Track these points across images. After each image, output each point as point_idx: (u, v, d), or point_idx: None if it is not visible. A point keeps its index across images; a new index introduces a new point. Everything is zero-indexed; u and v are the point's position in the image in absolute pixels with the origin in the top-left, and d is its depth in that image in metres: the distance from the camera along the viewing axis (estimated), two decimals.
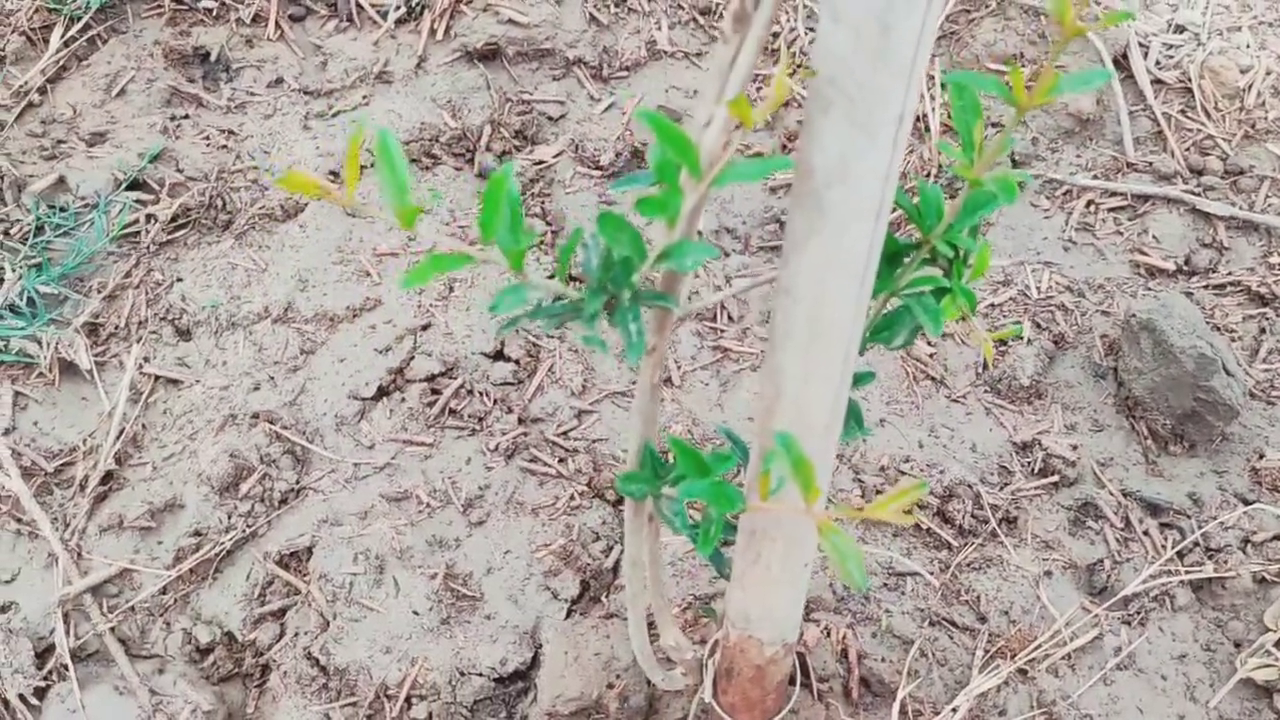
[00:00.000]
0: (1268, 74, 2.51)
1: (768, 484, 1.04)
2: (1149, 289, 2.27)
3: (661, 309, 1.10)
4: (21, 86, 2.33)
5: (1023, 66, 2.57)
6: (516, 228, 1.00)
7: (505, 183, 0.97)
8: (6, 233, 2.15)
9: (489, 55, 2.63)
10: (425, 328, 2.15)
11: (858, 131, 0.96)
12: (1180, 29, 2.59)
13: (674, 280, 1.08)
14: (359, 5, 2.66)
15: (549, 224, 2.37)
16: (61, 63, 2.39)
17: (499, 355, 2.13)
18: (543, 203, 2.39)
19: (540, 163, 2.46)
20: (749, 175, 0.96)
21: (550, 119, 2.58)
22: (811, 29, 2.69)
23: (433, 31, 2.63)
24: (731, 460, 1.13)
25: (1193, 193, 2.39)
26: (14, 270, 2.09)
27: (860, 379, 1.23)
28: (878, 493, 1.93)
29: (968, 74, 1.02)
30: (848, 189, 0.99)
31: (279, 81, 2.55)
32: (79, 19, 2.41)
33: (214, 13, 2.57)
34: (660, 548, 1.34)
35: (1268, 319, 2.23)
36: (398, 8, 2.65)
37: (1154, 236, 2.35)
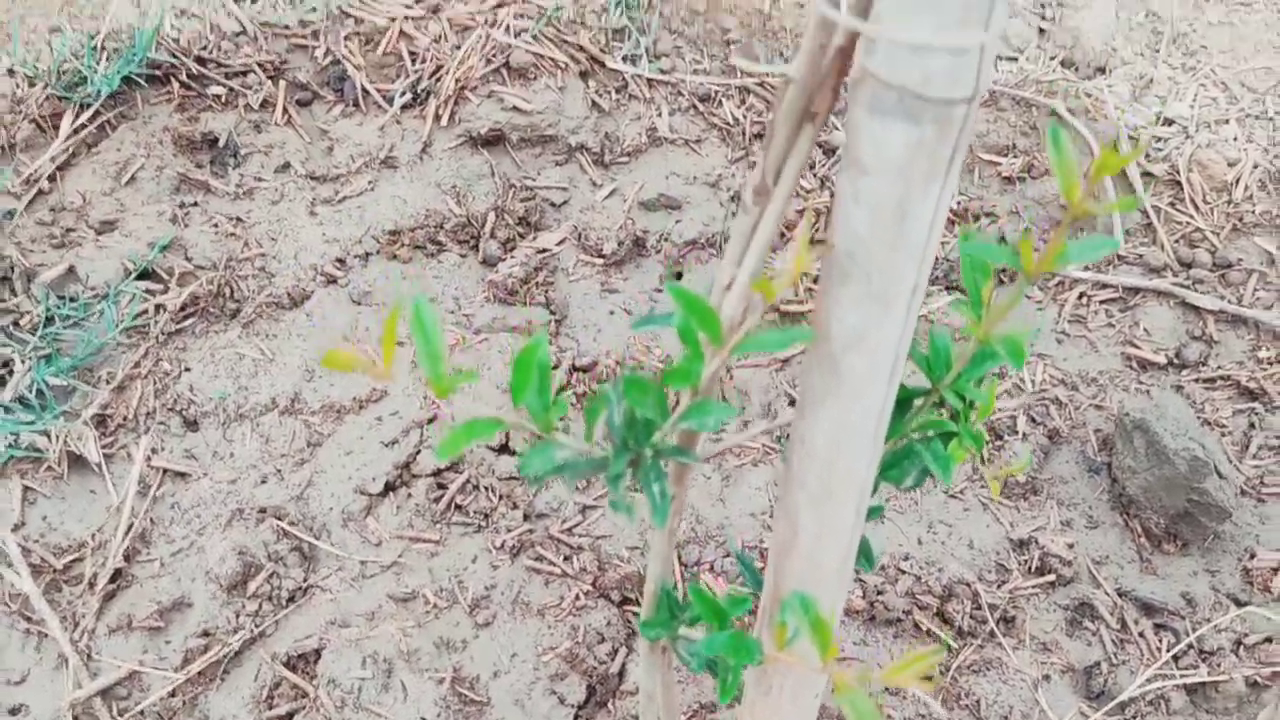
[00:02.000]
0: (1254, 167, 2.58)
1: (784, 635, 1.07)
2: (1141, 383, 2.32)
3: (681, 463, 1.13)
4: (32, 174, 2.36)
5: (1014, 158, 2.63)
6: (545, 393, 1.03)
7: (537, 351, 1.00)
8: (16, 324, 2.18)
9: (493, 141, 2.68)
10: (431, 420, 2.17)
11: (874, 303, 1.00)
12: (1169, 121, 2.65)
13: (694, 436, 1.11)
14: (365, 91, 2.70)
15: (553, 313, 2.40)
16: (71, 150, 2.42)
17: (504, 449, 2.15)
18: (546, 291, 2.43)
19: (544, 250, 2.50)
20: (769, 345, 0.99)
21: (553, 205, 2.63)
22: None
23: (438, 117, 2.68)
24: (746, 603, 1.16)
25: (1183, 285, 2.44)
26: (24, 362, 2.11)
27: (871, 512, 1.26)
28: (879, 593, 1.96)
29: (980, 244, 1.06)
30: (863, 356, 1.03)
31: (286, 167, 2.58)
32: (89, 106, 2.44)
33: (223, 98, 2.61)
34: (673, 675, 1.37)
35: (1257, 414, 2.27)
36: (403, 94, 2.69)
37: (1145, 329, 2.40)
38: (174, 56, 2.55)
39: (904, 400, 1.20)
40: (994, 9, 0.87)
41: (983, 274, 1.18)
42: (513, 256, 2.46)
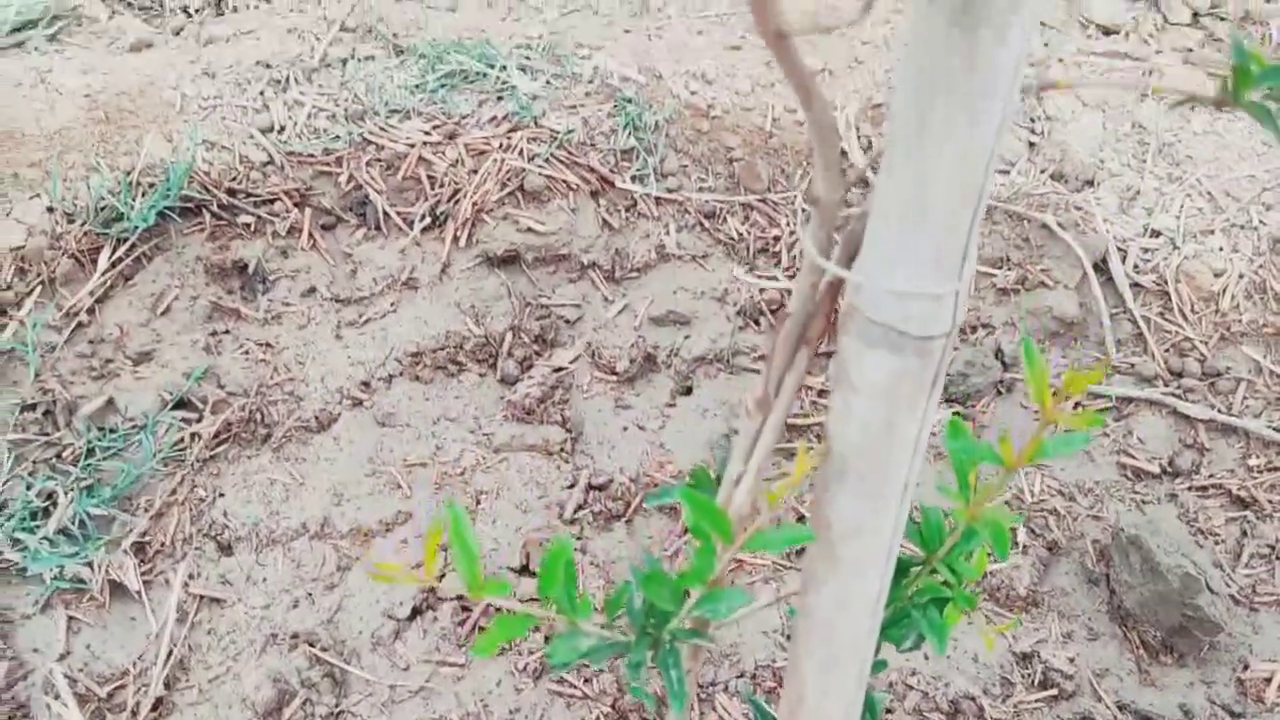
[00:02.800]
0: (1240, 277, 2.69)
1: None
2: (1136, 493, 2.41)
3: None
4: (71, 308, 2.49)
5: (1009, 270, 2.74)
6: (571, 588, 1.13)
7: (565, 553, 1.10)
8: (59, 456, 2.29)
9: (509, 260, 2.80)
10: None
11: (868, 500, 1.10)
12: (1156, 233, 2.77)
13: (707, 620, 1.21)
14: (386, 214, 2.83)
15: (569, 430, 2.51)
16: (109, 283, 2.55)
17: (524, 570, 2.25)
18: (562, 409, 2.54)
19: (559, 369, 2.61)
20: (775, 545, 1.09)
21: (567, 322, 2.74)
22: None
23: (456, 239, 2.81)
24: None
25: (1174, 395, 2.54)
26: (66, 494, 2.22)
27: (875, 667, 1.35)
28: (888, 711, 2.04)
29: (966, 444, 1.16)
30: (860, 544, 1.13)
31: (312, 291, 2.71)
32: (125, 240, 2.58)
33: (252, 226, 2.74)
34: None
35: (1249, 522, 2.36)
36: (423, 217, 2.82)
37: (1139, 438, 2.49)
38: (205, 189, 2.69)
39: (900, 569, 1.30)
40: (965, 261, 0.99)
41: (970, 457, 1.29)
42: (530, 376, 2.58)
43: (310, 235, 2.79)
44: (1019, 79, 0.92)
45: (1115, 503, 2.39)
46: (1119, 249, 2.74)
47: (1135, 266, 2.73)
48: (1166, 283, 2.70)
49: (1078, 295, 2.69)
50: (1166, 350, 2.62)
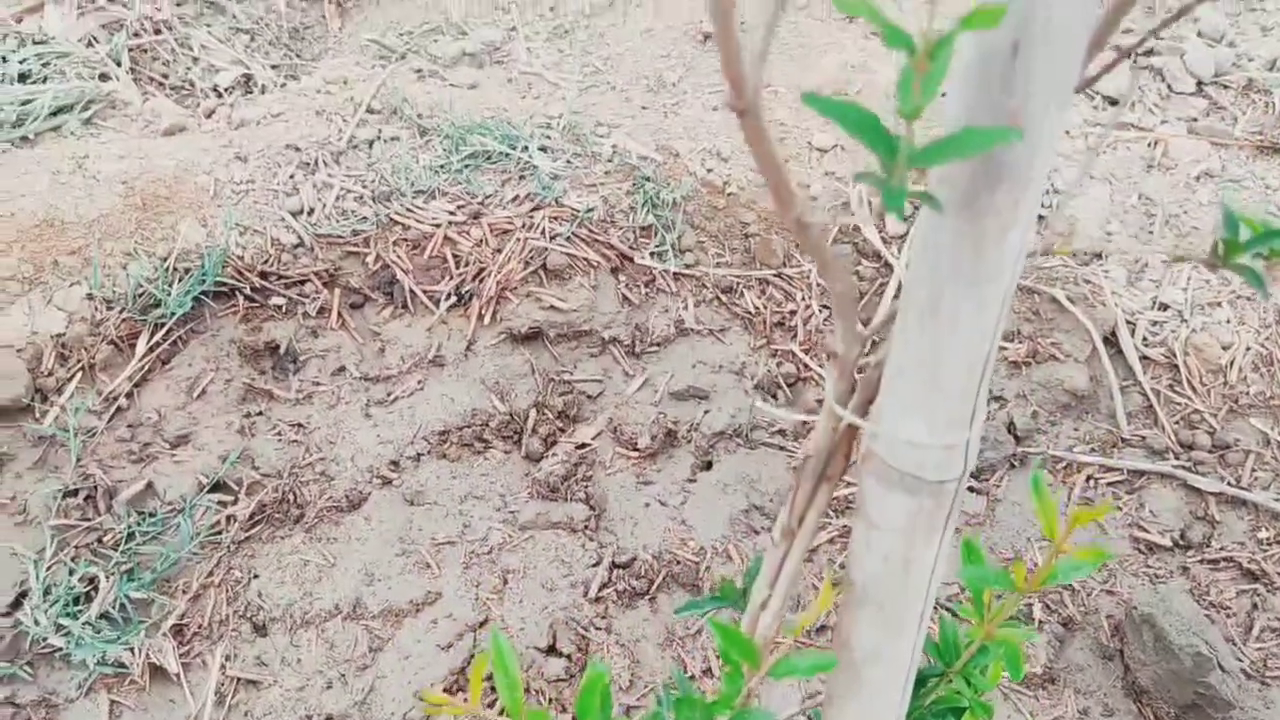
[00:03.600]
0: (1247, 350, 2.74)
1: None
2: (1149, 567, 2.46)
3: None
4: (111, 393, 2.57)
5: (1020, 344, 2.80)
6: (607, 712, 1.20)
7: (600, 681, 1.17)
8: (100, 540, 2.36)
9: (532, 337, 2.88)
10: (483, 623, 2.33)
11: (887, 626, 1.17)
12: (1164, 306, 2.83)
13: None
14: (413, 293, 2.92)
15: (592, 508, 2.57)
16: (147, 367, 2.64)
17: (551, 650, 2.31)
18: (586, 486, 2.60)
19: (582, 446, 2.68)
20: (800, 672, 1.16)
21: (589, 397, 2.82)
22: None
23: (480, 317, 2.89)
24: None
25: (1184, 467, 2.59)
26: (108, 578, 2.29)
27: None
28: None
29: (981, 571, 1.22)
30: (881, 668, 1.19)
31: (341, 370, 2.79)
32: (163, 325, 2.66)
33: (283, 308, 2.82)
34: None
35: (1259, 595, 2.41)
36: (449, 295, 2.91)
37: (1151, 511, 2.55)
38: (239, 273, 2.78)
39: (920, 680, 1.36)
40: (976, 413, 1.06)
41: (984, 580, 1.36)
42: (553, 453, 2.65)
43: (339, 315, 2.87)
44: (1022, 259, 1.00)
45: (1129, 577, 2.44)
46: (1128, 322, 2.80)
47: (1144, 339, 2.79)
48: (1175, 355, 2.76)
49: (1088, 368, 2.75)
50: (1176, 423, 2.68)
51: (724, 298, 2.97)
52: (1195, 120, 3.35)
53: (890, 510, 1.10)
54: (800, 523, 1.17)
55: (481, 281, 2.92)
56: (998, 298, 0.99)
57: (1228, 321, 2.80)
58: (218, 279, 2.73)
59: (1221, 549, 2.48)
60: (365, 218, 2.96)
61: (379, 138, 3.18)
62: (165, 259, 2.73)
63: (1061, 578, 1.27)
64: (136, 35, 3.63)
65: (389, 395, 2.75)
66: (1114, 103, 3.38)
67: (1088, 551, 1.12)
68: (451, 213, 3.02)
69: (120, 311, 2.64)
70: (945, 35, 0.79)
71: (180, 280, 2.71)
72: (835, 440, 1.14)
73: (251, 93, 3.65)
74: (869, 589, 1.15)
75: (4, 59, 3.36)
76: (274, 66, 3.84)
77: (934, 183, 0.92)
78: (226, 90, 3.64)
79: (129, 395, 2.60)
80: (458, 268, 2.94)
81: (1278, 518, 2.50)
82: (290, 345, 2.79)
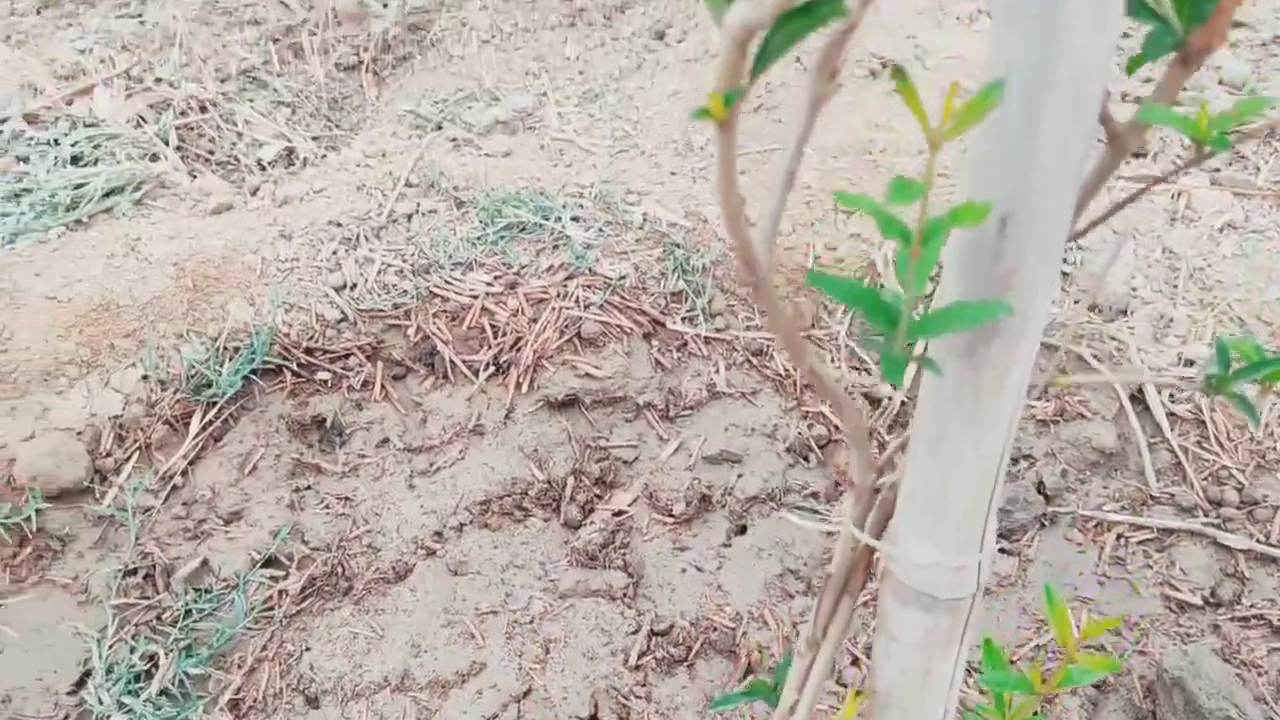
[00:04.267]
0: (1273, 405, 2.77)
1: None
2: (1180, 625, 2.49)
3: None
4: (166, 472, 2.68)
5: (1047, 401, 2.85)
6: None
7: None
8: (159, 618, 2.46)
9: (568, 404, 2.97)
10: (526, 693, 2.41)
11: None
12: (1190, 362, 2.86)
13: None
14: (453, 364, 3.01)
15: (630, 575, 2.64)
16: (200, 445, 2.75)
17: (593, 719, 2.37)
18: (624, 554, 2.68)
19: (619, 513, 2.75)
20: None
21: (625, 463, 2.89)
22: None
23: (518, 385, 2.98)
24: None
25: (1213, 525, 2.62)
26: (167, 655, 2.39)
27: None
28: None
29: (1002, 675, 1.28)
30: None
31: (385, 442, 2.88)
32: (215, 404, 2.77)
33: (329, 382, 2.93)
34: None
35: None
36: (487, 365, 3.00)
37: (1181, 569, 2.58)
38: (286, 350, 2.88)
39: None
40: (986, 535, 1.13)
41: (1004, 684, 1.42)
42: (591, 521, 2.72)
43: (382, 386, 2.97)
44: (1021, 402, 1.07)
45: (1160, 637, 2.47)
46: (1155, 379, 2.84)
47: (1171, 396, 2.83)
48: (1202, 411, 2.79)
49: (1115, 426, 2.79)
50: (1205, 479, 2.71)
51: (754, 360, 3.04)
52: (1218, 171, 3.39)
53: (908, 626, 1.17)
54: (824, 634, 1.24)
55: (519, 351, 3.01)
56: (999, 436, 1.06)
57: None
58: (266, 357, 2.84)
59: (1252, 606, 2.50)
60: (406, 291, 3.07)
61: (417, 211, 3.29)
62: (215, 339, 2.84)
63: (1076, 681, 1.33)
64: (183, 114, 3.77)
65: (431, 465, 2.84)
66: (1137, 155, 3.43)
67: (1099, 661, 1.18)
68: (489, 283, 3.11)
69: (174, 392, 2.75)
70: (935, 224, 0.86)
71: (230, 359, 2.82)
72: (855, 558, 1.21)
73: (294, 165, 3.78)
74: (891, 697, 1.22)
75: (56, 142, 3.51)
76: (315, 138, 3.97)
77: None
78: (270, 164, 3.77)
79: (184, 473, 2.71)
80: (495, 337, 3.03)
81: None
82: (336, 418, 2.89)
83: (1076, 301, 3.03)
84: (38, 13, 4.41)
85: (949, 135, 0.82)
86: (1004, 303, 0.87)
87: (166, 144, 3.64)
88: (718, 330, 3.08)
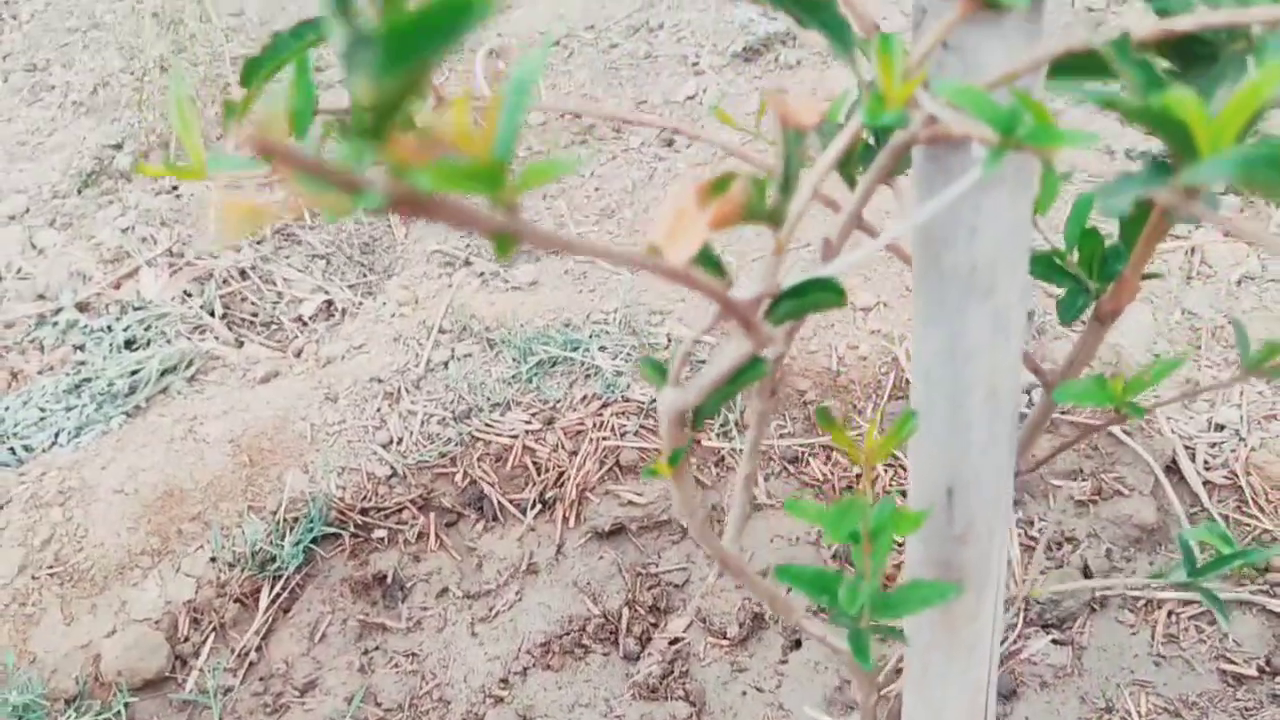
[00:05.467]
0: None
1: None
2: (1238, 700, 2.51)
3: None
4: (242, 649, 2.82)
5: (1083, 481, 2.89)
6: None
7: None
8: None
9: (616, 533, 3.06)
10: None
11: None
12: (1220, 427, 2.89)
13: None
14: (501, 505, 3.12)
15: (692, 704, 2.72)
16: (271, 619, 2.88)
17: None
18: (684, 683, 2.75)
19: (675, 640, 2.84)
20: None
21: (676, 586, 2.98)
22: None
23: (565, 520, 3.08)
24: None
25: (1262, 591, 2.64)
26: None
27: None
28: None
29: None
30: None
31: (445, 591, 3.00)
32: (281, 576, 2.91)
33: (385, 539, 3.05)
34: None
35: None
36: (534, 503, 3.11)
37: (1234, 641, 2.60)
38: (342, 515, 3.02)
39: None
40: None
41: None
42: (649, 653, 2.80)
43: (437, 536, 3.09)
44: (1000, 627, 1.15)
45: (1219, 714, 2.49)
46: (1186, 448, 2.88)
47: (1205, 464, 2.86)
48: (1238, 476, 2.82)
49: (1154, 499, 2.83)
50: (1248, 546, 2.73)
51: (791, 468, 3.12)
52: (1230, 221, 3.42)
53: None
54: None
55: (562, 486, 3.12)
56: (981, 661, 1.14)
57: None
58: (324, 525, 2.98)
59: None
60: (449, 439, 3.19)
61: (453, 357, 3.43)
62: (275, 512, 2.99)
63: None
64: (225, 283, 3.96)
65: (491, 610, 2.95)
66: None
67: None
68: (527, 422, 3.23)
69: (242, 570, 2.89)
70: (879, 525, 0.95)
71: (291, 530, 2.96)
72: None
73: (334, 317, 3.95)
74: None
75: (109, 328, 3.71)
76: (350, 286, 4.14)
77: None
78: (311, 319, 3.94)
79: (258, 649, 2.84)
80: (539, 474, 3.14)
81: None
82: (396, 573, 3.01)
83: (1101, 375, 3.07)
84: (79, 193, 4.66)
85: (877, 459, 0.91)
86: (952, 585, 0.96)
87: (213, 315, 3.82)
88: None
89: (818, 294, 0.80)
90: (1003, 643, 2.66)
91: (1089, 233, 1.05)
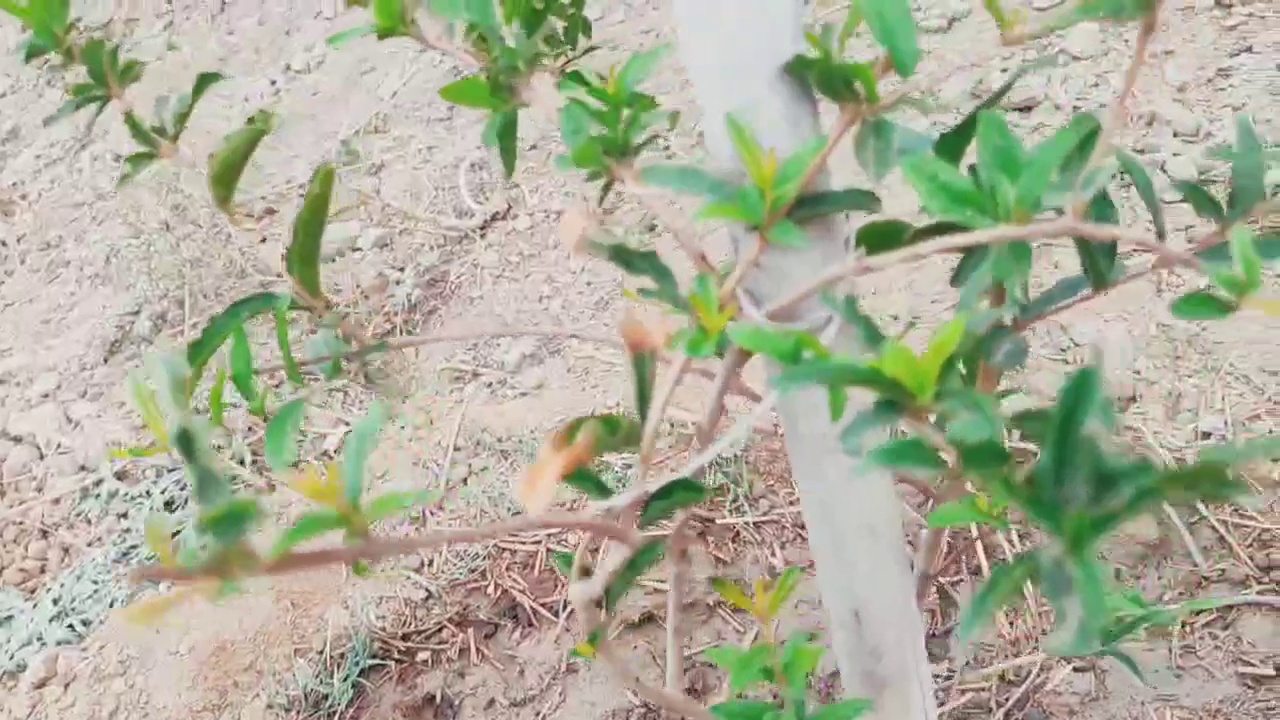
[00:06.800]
0: None
1: None
2: (1259, 701, 2.58)
3: None
4: None
5: None
6: None
7: None
8: None
9: (646, 621, 3.19)
10: None
11: None
12: (1206, 435, 2.98)
13: None
14: (534, 610, 3.26)
15: None
16: None
17: None
18: None
19: None
20: None
21: (711, 666, 3.09)
22: None
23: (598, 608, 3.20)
24: None
25: (1271, 590, 2.71)
26: None
27: None
28: None
29: None
30: None
31: (492, 703, 3.13)
32: (334, 712, 3.06)
33: (429, 660, 3.19)
34: None
35: None
36: (564, 605, 3.24)
37: (1249, 643, 2.67)
38: (385, 644, 3.17)
39: None
40: None
41: None
42: None
43: (478, 649, 3.23)
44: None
45: (1243, 718, 2.56)
46: (1177, 460, 2.96)
47: None
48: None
49: (1153, 516, 2.91)
50: (1250, 547, 2.81)
51: (805, 534, 3.23)
52: (1191, 227, 3.52)
53: None
54: None
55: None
56: None
57: (1270, 432, 2.93)
58: (370, 657, 3.12)
59: None
60: (477, 554, 3.34)
61: (470, 473, 3.59)
62: (321, 651, 3.14)
63: None
64: (251, 430, 4.16)
65: (538, 715, 3.07)
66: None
67: None
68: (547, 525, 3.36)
69: (298, 713, 3.04)
70: (788, 666, 1.09)
71: (339, 667, 3.11)
72: None
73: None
74: None
75: (148, 493, 3.91)
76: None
77: None
78: (336, 452, 4.12)
79: None
80: (565, 576, 3.27)
81: None
82: (444, 692, 3.14)
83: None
84: (105, 362, 4.90)
85: (771, 613, 1.05)
86: (866, 702, 1.08)
87: (243, 464, 4.01)
88: (764, 514, 3.29)
89: (681, 494, 0.94)
90: (1026, 678, 2.75)
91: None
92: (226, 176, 0.98)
